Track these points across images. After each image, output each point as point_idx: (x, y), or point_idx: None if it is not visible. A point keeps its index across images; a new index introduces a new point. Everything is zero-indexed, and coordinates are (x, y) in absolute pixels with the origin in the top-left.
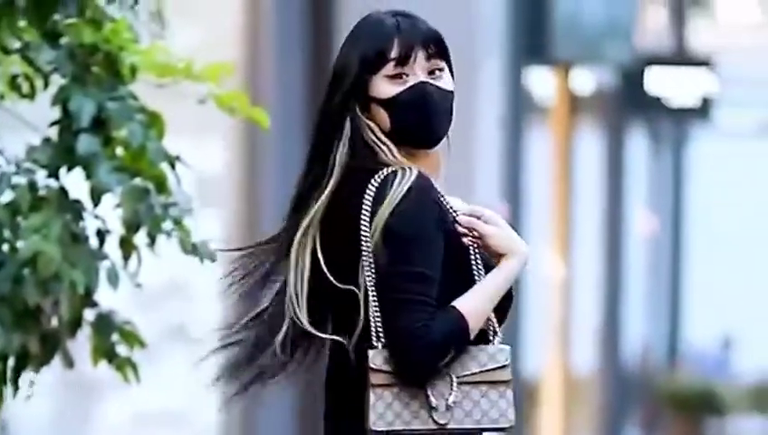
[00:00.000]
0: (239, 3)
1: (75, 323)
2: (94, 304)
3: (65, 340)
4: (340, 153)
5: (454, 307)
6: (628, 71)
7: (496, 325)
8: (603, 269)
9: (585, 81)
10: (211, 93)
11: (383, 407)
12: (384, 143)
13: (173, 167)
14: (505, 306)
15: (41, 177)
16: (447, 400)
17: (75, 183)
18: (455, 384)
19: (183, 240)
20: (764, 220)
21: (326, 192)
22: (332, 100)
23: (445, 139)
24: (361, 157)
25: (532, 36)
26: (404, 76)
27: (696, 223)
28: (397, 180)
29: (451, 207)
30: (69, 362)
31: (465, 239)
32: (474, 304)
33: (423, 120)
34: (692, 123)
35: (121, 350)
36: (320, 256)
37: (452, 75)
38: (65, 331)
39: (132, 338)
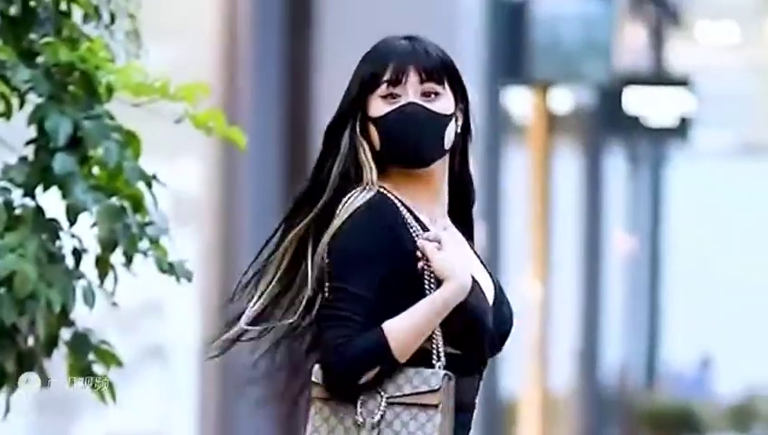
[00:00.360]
0: (216, 22)
1: (51, 343)
2: (70, 324)
3: (41, 359)
4: (334, 170)
5: (380, 327)
6: (606, 90)
7: (441, 350)
8: (581, 289)
9: (563, 100)
10: (187, 113)
11: (320, 420)
12: (368, 163)
13: (149, 186)
14: (480, 337)
15: (17, 196)
16: (374, 418)
17: (51, 202)
18: (383, 403)
19: (159, 259)
20: (742, 240)
21: (316, 208)
22: (335, 118)
23: (441, 160)
24: (354, 175)
25: (510, 56)
26: (396, 97)
27: (674, 243)
28: (350, 199)
29: (415, 231)
30: (45, 382)
31: (419, 263)
32: (400, 325)
33: (406, 139)
34: (670, 143)
35: (98, 369)
36: (309, 270)
37: (462, 101)
38: (41, 350)
39: (109, 357)
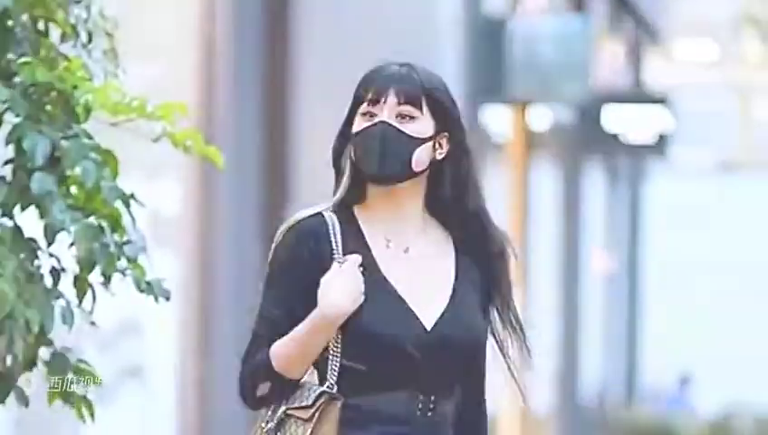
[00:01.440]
0: (195, 41)
1: (30, 362)
2: (49, 343)
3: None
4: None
5: (272, 345)
6: (584, 108)
7: (336, 366)
8: (559, 306)
9: (542, 118)
10: (166, 132)
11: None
12: (340, 177)
13: (127, 205)
14: (384, 355)
15: None
16: (270, 425)
17: (29, 222)
18: (279, 412)
19: (138, 279)
20: (720, 257)
21: None
22: (336, 136)
23: (411, 182)
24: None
25: (489, 74)
26: (373, 116)
27: (653, 260)
28: (289, 218)
29: (336, 254)
30: (23, 401)
31: None
32: (282, 345)
33: (371, 155)
34: (648, 160)
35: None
36: None
37: (447, 128)
38: (20, 369)
39: (87, 376)
